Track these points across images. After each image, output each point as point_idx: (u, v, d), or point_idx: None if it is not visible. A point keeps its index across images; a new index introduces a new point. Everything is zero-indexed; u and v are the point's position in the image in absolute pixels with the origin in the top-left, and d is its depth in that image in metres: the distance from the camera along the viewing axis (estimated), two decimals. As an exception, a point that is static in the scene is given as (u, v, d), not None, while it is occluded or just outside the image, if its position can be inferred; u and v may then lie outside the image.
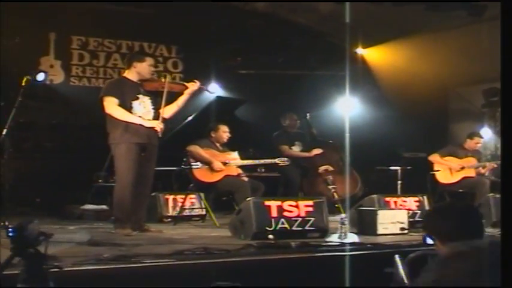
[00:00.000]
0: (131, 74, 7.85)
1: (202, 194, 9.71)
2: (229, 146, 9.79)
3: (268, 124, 11.66)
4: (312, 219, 7.18)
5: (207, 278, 5.17)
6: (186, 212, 9.74)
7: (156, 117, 7.75)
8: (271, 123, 11.49)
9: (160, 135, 7.70)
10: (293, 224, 7.05)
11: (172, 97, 8.02)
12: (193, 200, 9.79)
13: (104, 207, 9.89)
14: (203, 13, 12.70)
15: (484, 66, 13.15)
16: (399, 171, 11.24)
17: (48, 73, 11.77)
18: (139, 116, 7.64)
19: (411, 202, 8.64)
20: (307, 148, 10.94)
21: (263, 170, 11.10)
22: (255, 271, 5.52)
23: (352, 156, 10.33)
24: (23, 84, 7.98)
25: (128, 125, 7.56)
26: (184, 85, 8.09)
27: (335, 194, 10.01)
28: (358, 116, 12.65)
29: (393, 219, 7.70)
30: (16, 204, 10.23)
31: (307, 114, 10.99)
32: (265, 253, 6.00)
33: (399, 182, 11.19)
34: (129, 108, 7.62)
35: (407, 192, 9.62)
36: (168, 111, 7.92)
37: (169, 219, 9.43)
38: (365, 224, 7.78)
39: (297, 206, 7.17)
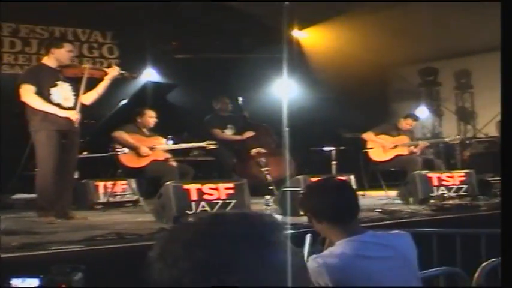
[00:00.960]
0: (50, 61, 7.76)
1: (133, 180, 9.68)
2: (162, 131, 9.76)
3: (202, 108, 11.59)
4: (233, 201, 7.21)
5: (116, 263, 5.21)
6: (117, 198, 9.72)
7: (76, 103, 7.67)
8: (205, 108, 11.43)
9: (76, 125, 7.60)
10: (214, 207, 7.07)
11: (94, 84, 7.96)
12: (125, 186, 9.75)
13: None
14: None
15: (419, 46, 13.29)
16: (333, 151, 11.27)
17: (-22, 61, 11.75)
18: (58, 104, 7.57)
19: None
20: (240, 131, 10.90)
21: (197, 154, 11.09)
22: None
23: (289, 139, 10.34)
24: None
25: (47, 112, 7.49)
26: (104, 71, 8.03)
27: (268, 176, 10.07)
28: (296, 99, 12.65)
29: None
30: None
31: (239, 98, 10.91)
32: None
33: (333, 162, 11.21)
34: (47, 95, 7.55)
35: (342, 172, 9.64)
36: (88, 97, 7.86)
37: (100, 206, 9.37)
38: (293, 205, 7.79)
39: (217, 189, 7.19)
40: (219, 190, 7.19)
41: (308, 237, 4.11)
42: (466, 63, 14.61)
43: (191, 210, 6.96)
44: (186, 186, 7.11)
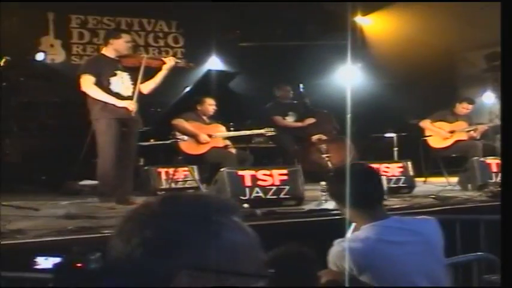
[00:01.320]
0: (109, 51, 7.97)
1: (195, 167, 9.86)
2: (224, 118, 9.92)
3: (264, 96, 11.70)
4: (287, 187, 7.29)
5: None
6: (179, 185, 9.90)
7: (134, 93, 7.87)
8: (268, 95, 11.53)
9: (133, 114, 7.79)
10: (268, 193, 7.17)
11: (154, 73, 8.14)
12: (187, 173, 9.93)
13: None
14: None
15: (484, 31, 13.08)
16: (395, 138, 11.26)
17: (49, 53, 12.10)
18: (117, 93, 7.77)
19: (394, 168, 8.68)
20: (301, 118, 10.97)
21: (259, 141, 11.21)
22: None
23: (351, 125, 10.36)
24: (1, 64, 7.88)
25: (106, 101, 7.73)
26: (161, 60, 8.18)
27: (329, 162, 10.12)
28: (359, 85, 12.67)
29: (372, 185, 7.75)
30: (21, 182, 10.50)
31: (301, 85, 11.00)
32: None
33: (395, 149, 11.21)
34: (107, 85, 7.75)
35: (404, 158, 9.62)
36: (146, 87, 8.04)
37: (163, 192, 9.56)
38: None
39: (271, 175, 7.28)
40: (273, 176, 7.27)
41: (353, 225, 4.19)
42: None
43: (245, 196, 7.06)
44: (240, 172, 7.22)
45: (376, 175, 3.66)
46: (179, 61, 8.34)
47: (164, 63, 8.08)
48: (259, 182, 7.19)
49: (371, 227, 3.42)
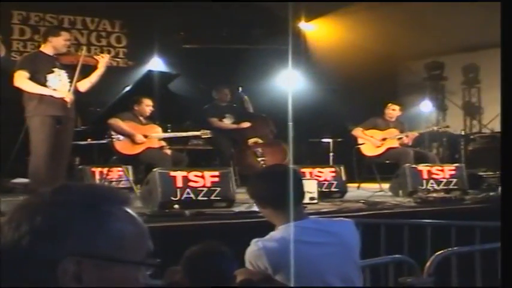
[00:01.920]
0: (47, 48, 7.94)
1: (130, 167, 9.85)
2: (163, 119, 9.91)
3: (204, 98, 11.71)
4: (218, 189, 7.30)
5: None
6: (114, 184, 9.86)
7: (71, 90, 7.85)
8: (208, 98, 11.56)
9: (69, 106, 7.77)
10: (198, 194, 7.18)
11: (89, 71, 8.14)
12: (121, 173, 9.91)
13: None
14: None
15: (426, 39, 13.33)
16: (331, 143, 11.40)
17: (-12, 48, 11.91)
18: (54, 90, 7.74)
19: (327, 173, 8.78)
20: (238, 121, 11.01)
21: (196, 143, 11.23)
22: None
23: (289, 130, 10.45)
24: None
25: (42, 97, 7.66)
26: (96, 59, 8.18)
27: (264, 165, 10.21)
28: (300, 90, 12.78)
29: (302, 189, 7.83)
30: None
31: (240, 88, 11.04)
32: (151, 221, 6.18)
33: (331, 154, 11.36)
34: (43, 82, 7.71)
35: (340, 163, 9.74)
36: (83, 85, 8.04)
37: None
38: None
39: (202, 177, 7.28)
40: (205, 178, 7.27)
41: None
42: (474, 58, 14.64)
43: (176, 197, 7.06)
44: (172, 173, 7.20)
45: (294, 176, 3.70)
46: (114, 59, 8.31)
47: (98, 61, 8.07)
48: (191, 183, 7.18)
49: (287, 228, 3.47)
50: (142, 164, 9.46)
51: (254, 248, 3.45)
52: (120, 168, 9.82)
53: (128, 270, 1.43)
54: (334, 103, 13.36)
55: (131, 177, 9.77)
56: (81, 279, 1.37)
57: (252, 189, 3.78)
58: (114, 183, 9.80)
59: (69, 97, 7.74)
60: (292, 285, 3.37)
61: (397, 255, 4.38)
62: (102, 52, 12.86)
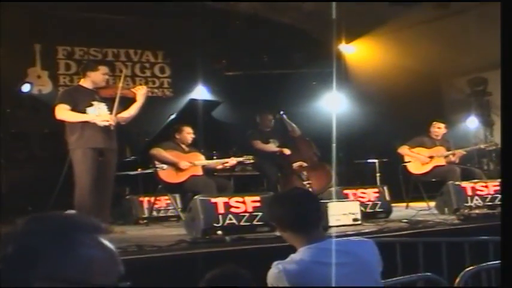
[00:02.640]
0: (86, 82, 8.16)
1: (177, 195, 9.99)
2: (207, 147, 10.05)
3: (248, 125, 11.80)
4: (260, 213, 7.34)
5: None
6: (162, 213, 10.02)
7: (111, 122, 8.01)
8: (252, 124, 11.64)
9: (112, 128, 7.96)
10: (241, 220, 7.23)
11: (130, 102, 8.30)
12: (169, 201, 10.05)
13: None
14: (187, 17, 12.98)
15: (467, 57, 13.24)
16: (377, 163, 11.39)
17: (36, 83, 12.26)
18: (94, 123, 7.91)
19: (370, 193, 8.77)
20: (282, 145, 11.06)
21: (243, 169, 11.30)
22: (182, 264, 5.82)
23: (333, 152, 10.47)
24: None
25: (83, 131, 7.86)
26: (133, 91, 8.33)
27: (310, 189, 10.24)
28: (344, 112, 12.81)
29: (345, 210, 7.86)
30: (9, 212, 10.57)
31: (282, 112, 11.10)
32: (192, 248, 6.29)
33: (378, 174, 11.34)
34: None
35: (387, 183, 9.71)
36: (123, 116, 8.18)
37: (145, 221, 9.67)
38: (317, 216, 7.97)
39: (243, 202, 7.33)
40: (246, 203, 7.32)
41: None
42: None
43: (218, 223, 7.11)
44: (213, 200, 7.26)
45: (313, 199, 3.75)
46: (159, 89, 8.47)
47: (135, 93, 8.23)
48: (232, 209, 7.22)
49: (307, 249, 3.52)
50: (187, 192, 9.55)
51: (275, 271, 3.50)
52: (167, 197, 9.96)
53: None
54: (378, 124, 13.34)
55: (179, 206, 9.90)
56: None
57: (271, 212, 3.84)
58: (162, 212, 9.96)
59: (112, 120, 7.91)
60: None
61: (425, 273, 4.37)
62: (146, 83, 13.15)
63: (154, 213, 9.91)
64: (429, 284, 4.28)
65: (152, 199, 9.84)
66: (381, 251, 5.55)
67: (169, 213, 10.10)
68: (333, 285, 3.43)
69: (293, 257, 3.55)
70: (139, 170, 9.98)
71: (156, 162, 9.32)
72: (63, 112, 7.89)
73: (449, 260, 5.49)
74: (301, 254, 3.53)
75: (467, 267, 4.71)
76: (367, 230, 7.15)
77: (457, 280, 4.22)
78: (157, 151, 9.39)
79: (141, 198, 10.06)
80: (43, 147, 12.32)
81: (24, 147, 12.20)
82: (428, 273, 4.30)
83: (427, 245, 5.82)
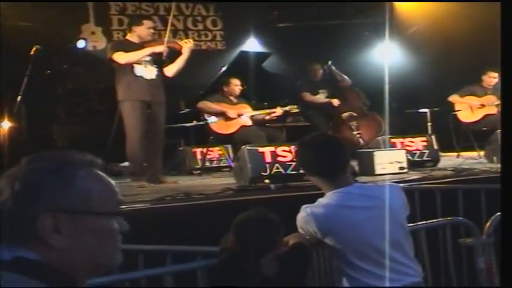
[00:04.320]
0: (133, 37, 8.33)
1: (229, 146, 10.19)
2: (257, 98, 10.19)
3: (299, 76, 11.86)
4: (306, 162, 7.46)
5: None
6: (214, 164, 10.23)
7: (158, 75, 8.20)
8: (302, 75, 11.71)
9: (165, 73, 8.24)
10: (287, 168, 7.37)
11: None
12: (221, 152, 10.26)
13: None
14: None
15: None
16: (428, 113, 11.39)
17: (90, 40, 12.50)
18: (140, 76, 8.10)
19: (418, 142, 8.82)
20: (332, 96, 11.11)
21: (294, 119, 11.39)
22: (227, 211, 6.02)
23: (385, 102, 10.52)
24: (32, 53, 8.16)
25: (130, 83, 8.05)
26: (179, 44, 8.45)
27: (360, 139, 10.35)
28: (394, 62, 12.75)
29: (391, 159, 7.95)
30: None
31: (330, 62, 11.09)
32: (241, 195, 6.48)
33: (429, 124, 11.34)
34: (130, 69, 8.08)
35: (438, 133, 9.72)
36: (169, 70, 8.35)
37: (198, 171, 9.88)
38: (364, 164, 8.09)
39: (290, 151, 7.46)
40: (292, 152, 7.45)
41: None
42: None
43: (266, 172, 7.26)
44: (260, 149, 7.41)
45: (338, 145, 3.86)
46: (205, 43, 8.58)
47: (181, 46, 8.35)
48: (279, 158, 7.36)
49: (333, 194, 3.66)
50: (238, 142, 9.72)
51: (303, 214, 3.66)
52: (219, 148, 10.16)
53: (99, 219, 1.72)
54: (430, 73, 13.24)
55: (231, 156, 10.09)
56: (60, 231, 1.65)
57: (299, 159, 3.99)
58: (214, 162, 10.16)
59: (164, 51, 8.13)
60: (342, 247, 3.57)
61: (454, 217, 4.46)
62: (199, 36, 13.30)
63: (207, 164, 10.12)
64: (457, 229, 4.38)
65: (205, 150, 10.05)
66: (421, 198, 5.70)
67: (221, 164, 10.30)
68: (358, 227, 3.57)
69: (320, 201, 3.70)
70: (194, 122, 10.16)
71: (206, 115, 9.49)
72: (123, 56, 8.01)
73: (488, 207, 5.52)
74: (328, 198, 3.67)
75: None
76: (410, 178, 7.24)
77: (487, 225, 4.31)
78: (204, 103, 9.58)
79: (194, 149, 10.28)
80: (99, 102, 12.57)
81: (81, 103, 12.45)
82: (459, 218, 4.38)
83: (467, 193, 5.87)
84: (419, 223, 4.15)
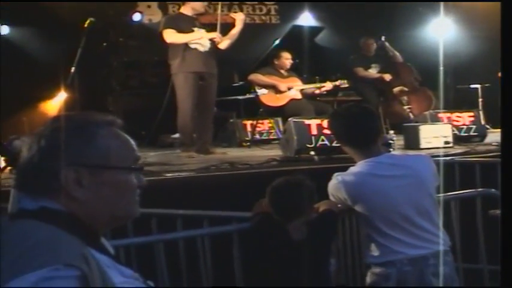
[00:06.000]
0: (187, 10, 8.45)
1: (279, 119, 10.31)
2: (310, 72, 10.30)
3: (352, 51, 11.90)
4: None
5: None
6: (264, 136, 10.38)
7: (212, 48, 8.34)
8: (354, 49, 11.75)
9: (218, 45, 8.30)
10: (332, 141, 7.46)
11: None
12: (270, 125, 10.40)
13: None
14: None
15: None
16: (479, 88, 11.35)
17: (146, 13, 12.70)
18: (195, 48, 8.23)
19: (465, 117, 8.82)
20: (384, 71, 11.15)
21: (345, 94, 11.46)
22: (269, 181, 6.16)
23: (440, 77, 10.49)
24: (85, 26, 8.34)
25: (184, 55, 8.18)
26: (232, 17, 8.59)
27: (411, 113, 10.39)
28: (450, 38, 12.69)
29: (437, 133, 7.97)
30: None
31: (383, 37, 11.13)
32: (285, 165, 6.62)
33: (480, 99, 11.31)
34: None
35: (489, 109, 9.69)
36: (222, 43, 8.42)
37: (248, 143, 10.05)
38: (409, 138, 8.15)
39: (336, 125, 7.55)
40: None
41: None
42: None
43: (311, 144, 7.36)
44: (306, 122, 7.50)
45: (369, 116, 3.96)
46: (251, 17, 8.70)
47: (234, 19, 8.49)
48: (325, 131, 7.42)
49: (364, 163, 3.79)
50: (287, 115, 9.83)
51: (334, 182, 3.80)
52: (269, 121, 10.30)
53: (117, 173, 1.90)
54: (483, 49, 13.12)
55: (281, 128, 10.21)
56: (81, 184, 1.83)
57: (331, 129, 4.12)
58: (264, 134, 10.30)
59: (218, 37, 8.25)
60: (370, 214, 3.70)
61: (485, 189, 4.52)
62: (254, 10, 13.40)
63: (257, 136, 10.28)
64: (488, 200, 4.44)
65: (254, 122, 10.20)
66: (461, 171, 5.75)
67: (271, 136, 10.43)
68: (387, 195, 3.70)
69: (352, 169, 3.83)
70: (247, 95, 10.32)
71: (256, 87, 9.64)
72: (171, 35, 8.18)
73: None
74: (359, 167, 3.81)
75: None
76: (453, 152, 7.28)
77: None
78: (255, 76, 9.73)
79: (244, 122, 10.43)
80: (154, 75, 12.76)
81: (136, 75, 12.67)
82: (490, 189, 4.44)
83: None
84: (449, 193, 4.22)
